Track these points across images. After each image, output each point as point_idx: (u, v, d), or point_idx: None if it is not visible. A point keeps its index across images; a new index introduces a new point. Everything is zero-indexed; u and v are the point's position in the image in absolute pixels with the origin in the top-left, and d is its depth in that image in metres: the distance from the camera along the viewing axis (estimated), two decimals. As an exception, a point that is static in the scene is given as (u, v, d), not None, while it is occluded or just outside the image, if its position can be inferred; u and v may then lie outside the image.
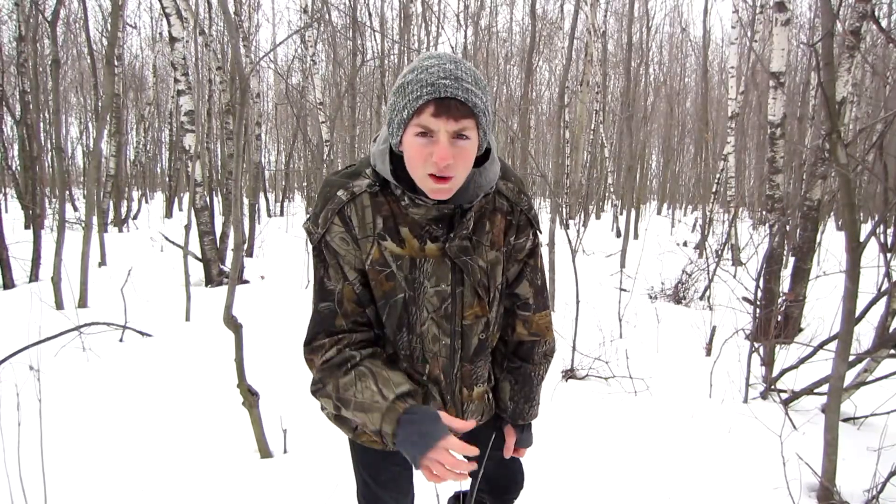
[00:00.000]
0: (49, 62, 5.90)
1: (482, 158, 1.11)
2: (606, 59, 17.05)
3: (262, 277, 7.04)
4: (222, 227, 7.84)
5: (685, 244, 11.57)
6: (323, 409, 1.23)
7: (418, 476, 1.18)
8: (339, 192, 1.08)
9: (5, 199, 17.05)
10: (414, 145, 0.98)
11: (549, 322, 1.31)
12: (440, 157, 0.96)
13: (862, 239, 2.14)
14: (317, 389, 1.12)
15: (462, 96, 0.95)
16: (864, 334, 3.62)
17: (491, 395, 1.32)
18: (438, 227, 1.09)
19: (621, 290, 5.02)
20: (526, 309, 1.26)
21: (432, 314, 1.13)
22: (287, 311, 5.21)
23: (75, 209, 14.87)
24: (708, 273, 6.01)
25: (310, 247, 1.18)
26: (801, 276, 4.32)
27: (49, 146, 14.69)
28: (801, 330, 4.47)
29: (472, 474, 1.33)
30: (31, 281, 6.01)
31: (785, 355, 3.57)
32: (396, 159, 1.06)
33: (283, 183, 23.14)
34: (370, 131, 20.49)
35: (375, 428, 1.05)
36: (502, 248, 1.17)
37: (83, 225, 5.49)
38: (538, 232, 1.25)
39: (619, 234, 12.94)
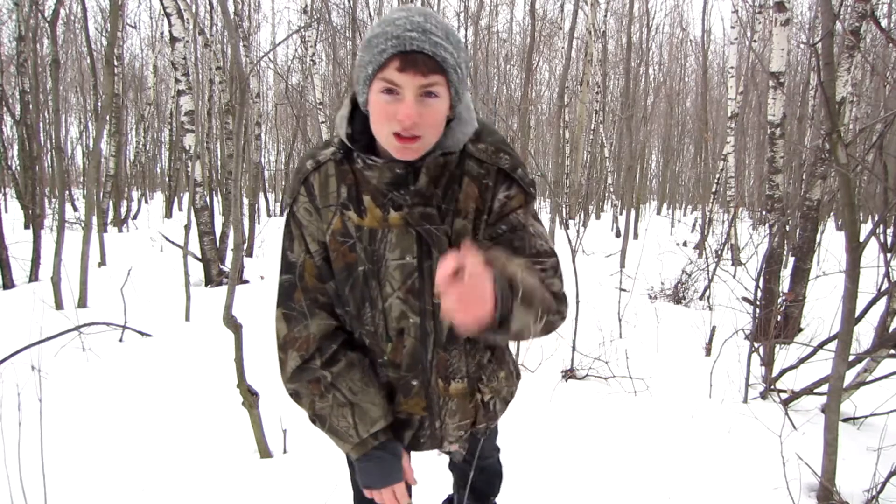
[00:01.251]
0: (49, 62, 5.90)
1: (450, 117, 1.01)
2: (606, 59, 17.04)
3: (262, 277, 7.03)
4: (222, 227, 7.84)
5: (685, 244, 11.57)
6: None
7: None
8: (308, 163, 1.05)
9: (5, 199, 17.04)
10: (379, 103, 0.91)
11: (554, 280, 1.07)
12: (405, 114, 0.89)
13: (862, 239, 2.14)
14: (291, 394, 1.11)
15: (430, 49, 0.88)
16: (864, 334, 3.62)
17: (482, 401, 1.18)
18: (401, 193, 0.99)
19: (621, 290, 5.01)
20: (499, 243, 1.05)
21: (397, 291, 1.05)
22: (287, 311, 5.20)
23: (75, 209, 14.87)
24: (708, 273, 6.01)
25: None
26: (800, 275, 4.32)
27: (49, 146, 14.67)
28: (800, 330, 4.47)
29: (460, 483, 1.32)
30: (30, 281, 6.01)
31: (785, 355, 3.57)
32: (360, 121, 1.01)
33: (283, 183, 23.14)
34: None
35: (343, 451, 1.11)
36: (471, 216, 1.04)
37: (83, 225, 5.49)
38: (526, 193, 1.07)
39: (618, 234, 12.94)
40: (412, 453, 1.20)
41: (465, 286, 0.74)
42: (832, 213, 13.33)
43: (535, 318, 0.93)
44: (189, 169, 6.31)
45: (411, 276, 1.04)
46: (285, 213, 1.09)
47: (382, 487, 1.09)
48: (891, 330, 2.73)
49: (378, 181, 0.99)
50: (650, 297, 6.11)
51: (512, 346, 3.71)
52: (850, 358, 2.30)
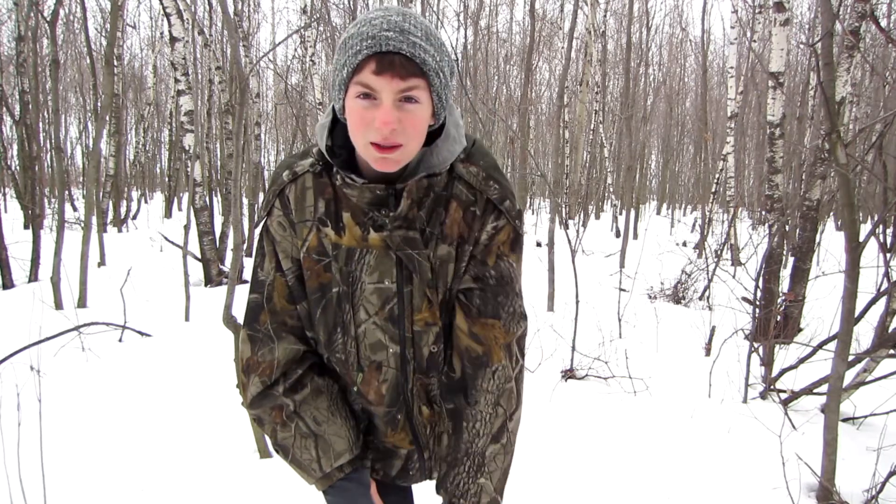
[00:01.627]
0: (48, 62, 5.90)
1: (436, 134, 0.94)
2: (606, 59, 17.05)
3: (262, 277, 7.03)
4: (222, 227, 7.84)
5: (684, 244, 11.57)
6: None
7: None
8: (284, 173, 0.96)
9: (5, 199, 17.04)
10: (355, 109, 0.83)
11: (501, 338, 0.99)
12: (382, 121, 0.81)
13: (861, 239, 2.14)
14: (254, 419, 1.04)
15: (408, 50, 0.80)
16: (864, 334, 3.62)
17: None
18: (383, 213, 0.92)
19: (621, 290, 5.01)
20: (469, 300, 0.99)
21: (373, 316, 0.97)
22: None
23: (75, 209, 14.86)
24: (707, 273, 6.01)
25: None
26: (800, 276, 4.33)
27: (48, 146, 14.68)
28: (800, 330, 4.47)
29: None
30: (30, 281, 6.00)
31: (784, 355, 3.57)
32: (340, 132, 0.93)
33: (283, 183, 23.09)
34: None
35: (311, 483, 1.03)
36: (454, 243, 0.97)
37: (82, 225, 5.49)
38: (512, 225, 0.99)
39: (618, 234, 12.94)
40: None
41: None
42: (832, 213, 13.34)
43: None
44: (189, 169, 6.32)
45: (390, 301, 0.96)
46: (258, 228, 1.01)
47: None
48: (890, 330, 2.73)
49: (358, 200, 0.92)
50: (650, 297, 6.11)
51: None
52: (850, 358, 2.30)
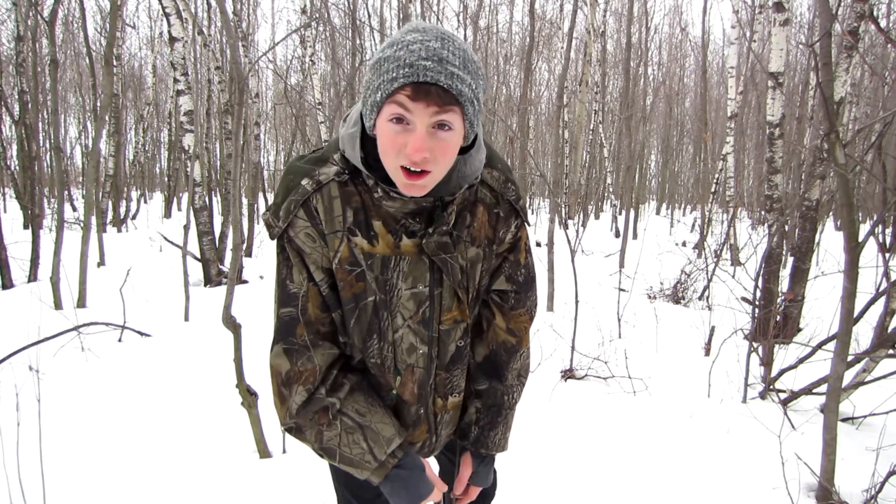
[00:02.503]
0: (47, 62, 5.90)
1: (468, 146, 0.97)
2: (605, 59, 17.05)
3: (262, 277, 7.03)
4: (221, 227, 7.84)
5: (684, 244, 11.58)
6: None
7: None
8: (304, 182, 0.94)
9: (4, 199, 17.02)
10: (387, 132, 0.84)
11: (528, 326, 1.15)
12: (414, 148, 0.82)
13: (860, 239, 2.15)
14: (291, 429, 1.02)
15: (445, 82, 0.80)
16: (863, 334, 3.62)
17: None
18: (416, 220, 0.96)
19: (620, 290, 5.02)
20: (505, 300, 1.11)
21: (408, 321, 1.01)
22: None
23: (74, 209, 14.86)
24: (707, 273, 6.01)
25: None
26: (799, 275, 4.33)
27: (48, 146, 14.67)
28: (799, 330, 4.48)
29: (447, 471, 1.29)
30: (29, 281, 6.00)
31: (784, 355, 3.57)
32: (370, 143, 0.92)
33: (283, 183, 23.09)
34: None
35: (362, 479, 1.02)
36: (483, 244, 1.03)
37: (82, 225, 5.48)
38: (526, 223, 1.10)
39: (617, 234, 12.95)
40: None
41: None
42: (831, 213, 13.34)
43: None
44: (188, 169, 6.31)
45: (423, 304, 1.00)
46: (276, 240, 0.97)
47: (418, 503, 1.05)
48: (889, 330, 2.73)
49: (397, 211, 0.94)
50: (649, 297, 6.11)
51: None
52: (849, 358, 2.30)
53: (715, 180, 11.16)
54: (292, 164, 0.99)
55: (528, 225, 1.13)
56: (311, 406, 0.99)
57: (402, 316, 1.00)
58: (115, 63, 11.11)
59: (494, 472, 1.31)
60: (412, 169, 0.85)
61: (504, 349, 1.14)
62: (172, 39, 6.17)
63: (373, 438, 1.00)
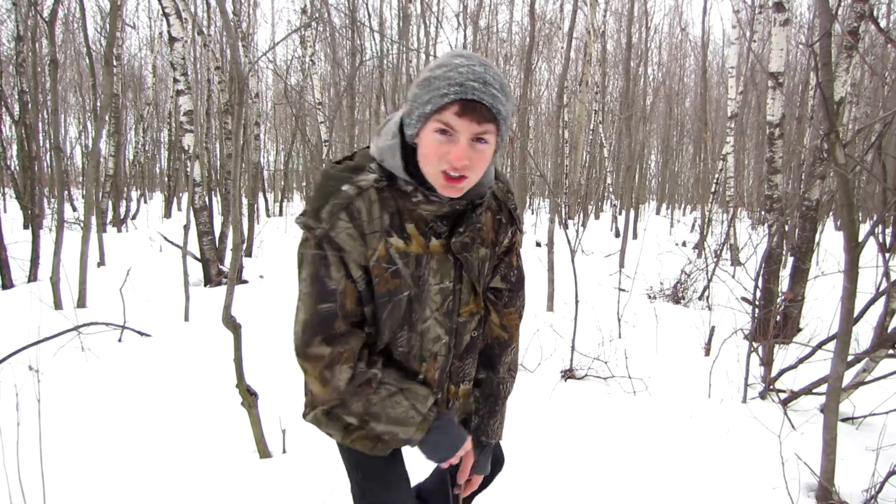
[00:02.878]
0: (47, 62, 5.90)
1: None
2: (605, 59, 17.05)
3: (261, 277, 7.04)
4: (221, 227, 7.84)
5: (684, 244, 11.58)
6: (306, 415, 1.23)
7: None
8: (345, 187, 1.04)
9: (4, 199, 17.03)
10: (432, 141, 0.98)
11: (518, 323, 1.31)
12: (457, 156, 0.97)
13: (860, 239, 2.15)
14: (334, 408, 1.13)
15: (488, 101, 0.95)
16: (863, 334, 3.62)
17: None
18: (443, 223, 1.10)
19: (620, 290, 5.02)
20: (499, 298, 1.27)
21: (434, 312, 1.14)
22: (286, 311, 5.20)
23: (74, 209, 14.86)
24: (707, 273, 6.02)
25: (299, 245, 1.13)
26: (799, 275, 4.33)
27: (48, 146, 14.68)
28: (799, 330, 4.48)
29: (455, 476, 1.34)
30: (29, 281, 6.00)
31: (784, 355, 3.57)
32: (408, 152, 1.05)
33: (283, 183, 23.14)
34: (369, 131, 20.48)
35: (406, 437, 1.14)
36: (488, 245, 1.19)
37: (82, 225, 5.48)
38: (519, 230, 1.25)
39: (617, 234, 12.95)
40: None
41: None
42: (831, 213, 13.35)
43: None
44: (188, 169, 6.31)
45: (447, 298, 1.15)
46: (309, 239, 1.06)
47: (455, 453, 1.18)
48: (889, 330, 2.74)
49: (430, 214, 1.08)
50: (649, 297, 6.11)
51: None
52: (849, 358, 2.30)
53: (715, 180, 11.16)
54: (327, 172, 1.08)
55: (523, 233, 1.27)
56: (356, 380, 1.08)
57: (430, 308, 1.14)
58: (115, 63, 11.11)
59: (502, 451, 1.44)
60: (452, 174, 0.99)
61: (497, 343, 1.30)
62: (172, 39, 6.18)
63: (413, 397, 1.12)
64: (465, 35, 13.85)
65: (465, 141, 0.97)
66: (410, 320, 1.12)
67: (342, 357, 1.07)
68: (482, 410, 1.30)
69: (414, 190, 1.05)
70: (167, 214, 17.15)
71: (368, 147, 1.12)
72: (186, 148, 6.32)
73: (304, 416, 1.23)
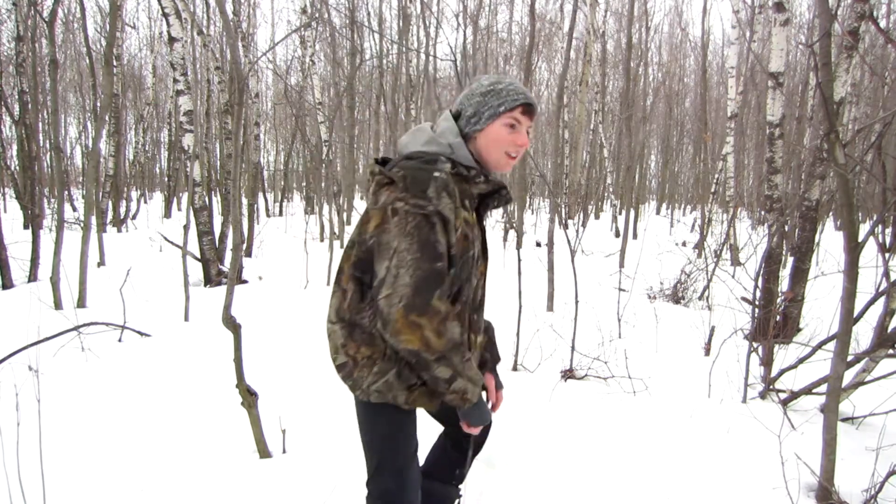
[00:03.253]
0: (47, 62, 5.90)
1: None
2: (606, 59, 17.05)
3: (261, 278, 7.04)
4: (221, 227, 7.83)
5: (684, 244, 11.58)
6: (372, 384, 1.38)
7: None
8: (437, 174, 1.31)
9: (4, 199, 17.03)
10: (503, 132, 1.38)
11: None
12: (523, 143, 1.40)
13: (860, 239, 2.15)
14: (440, 359, 1.28)
15: (536, 108, 1.42)
16: (863, 334, 3.62)
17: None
18: (476, 200, 1.45)
19: (620, 290, 5.02)
20: None
21: (476, 271, 1.44)
22: (286, 311, 5.20)
23: (74, 209, 14.86)
24: (707, 273, 6.02)
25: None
26: (799, 275, 4.33)
27: (48, 146, 14.68)
28: (799, 330, 4.48)
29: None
30: (29, 281, 6.00)
31: (784, 355, 3.57)
32: (465, 146, 1.40)
33: (283, 183, 23.14)
34: (368, 131, 20.48)
35: (471, 395, 1.35)
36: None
37: (82, 225, 5.49)
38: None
39: (617, 234, 12.95)
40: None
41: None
42: (831, 213, 13.35)
43: None
44: (188, 169, 6.31)
45: (478, 259, 1.45)
46: (428, 211, 1.28)
47: (489, 420, 1.45)
48: (889, 330, 2.73)
49: (480, 192, 1.43)
50: (649, 297, 6.11)
51: (510, 344, 3.71)
52: (849, 358, 2.30)
53: (715, 180, 11.16)
54: (414, 165, 1.32)
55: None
56: (459, 338, 1.30)
57: (479, 269, 1.45)
58: (115, 63, 11.11)
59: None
60: (513, 154, 1.41)
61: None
62: (172, 39, 6.18)
63: (474, 362, 1.39)
64: (464, 35, 13.81)
65: (526, 132, 1.40)
66: (470, 275, 1.40)
67: (452, 314, 1.29)
68: (491, 350, 1.67)
69: (477, 174, 1.38)
70: (167, 214, 17.15)
71: (408, 154, 1.39)
72: (186, 148, 6.32)
73: (370, 385, 1.36)
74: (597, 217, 19.87)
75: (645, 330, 4.59)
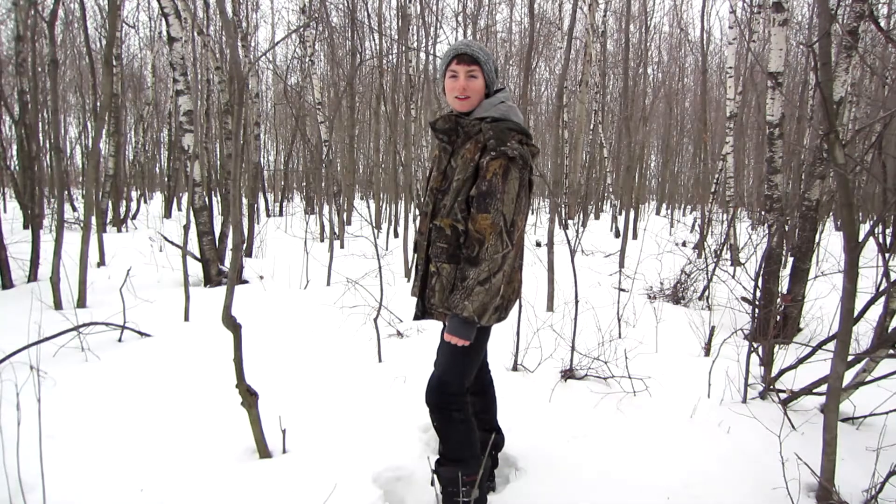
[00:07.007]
0: (47, 62, 5.89)
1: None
2: (605, 58, 17.05)
3: (261, 277, 7.03)
4: (221, 227, 7.83)
5: (684, 244, 11.57)
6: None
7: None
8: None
9: (4, 199, 17.02)
10: (449, 84, 1.92)
11: None
12: (457, 86, 1.89)
13: (860, 239, 2.15)
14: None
15: (468, 52, 1.86)
16: (863, 334, 3.62)
17: None
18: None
19: (620, 289, 5.02)
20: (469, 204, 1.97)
21: None
22: (286, 311, 5.20)
23: (74, 209, 14.85)
24: (707, 273, 6.02)
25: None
26: (799, 275, 4.33)
27: (48, 146, 14.67)
28: (799, 330, 4.47)
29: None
30: (29, 281, 6.00)
31: (784, 355, 3.57)
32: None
33: (283, 183, 23.14)
34: (369, 131, 20.48)
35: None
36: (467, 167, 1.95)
37: (82, 225, 5.48)
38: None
39: (617, 234, 12.95)
40: None
41: None
42: (831, 213, 13.34)
43: None
44: (188, 169, 6.31)
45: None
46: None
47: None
48: (889, 330, 2.74)
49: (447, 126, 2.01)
50: (649, 297, 6.11)
51: (510, 343, 3.71)
52: (849, 358, 2.30)
53: (715, 180, 11.15)
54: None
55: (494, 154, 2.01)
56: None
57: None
58: (114, 63, 11.11)
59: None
60: (460, 97, 1.90)
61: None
62: (171, 39, 6.17)
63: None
64: (464, 35, 13.83)
65: (462, 78, 1.89)
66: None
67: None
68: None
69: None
70: (167, 214, 17.13)
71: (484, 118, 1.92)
72: (186, 148, 6.32)
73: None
74: (597, 217, 19.86)
75: (645, 330, 4.59)
